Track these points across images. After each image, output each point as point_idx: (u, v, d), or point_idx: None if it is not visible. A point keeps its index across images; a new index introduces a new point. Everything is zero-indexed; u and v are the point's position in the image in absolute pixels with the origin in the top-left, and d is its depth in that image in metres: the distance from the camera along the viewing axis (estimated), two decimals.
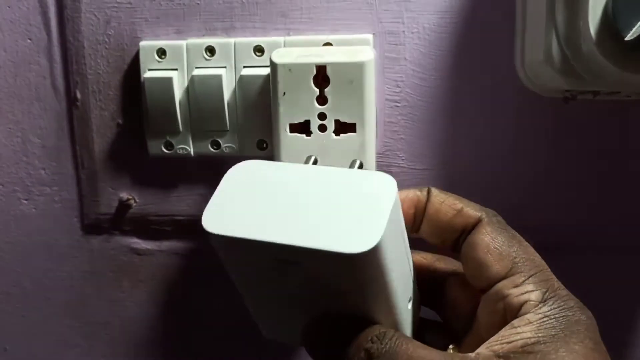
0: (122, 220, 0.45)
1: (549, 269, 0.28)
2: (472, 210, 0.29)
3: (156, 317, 0.46)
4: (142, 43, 0.41)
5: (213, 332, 0.46)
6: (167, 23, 0.41)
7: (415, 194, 0.31)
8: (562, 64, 0.33)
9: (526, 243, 0.29)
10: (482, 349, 0.26)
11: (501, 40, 0.38)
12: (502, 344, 0.26)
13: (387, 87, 0.40)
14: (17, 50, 0.43)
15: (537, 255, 0.29)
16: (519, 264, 0.28)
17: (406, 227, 0.29)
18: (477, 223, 0.29)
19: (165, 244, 0.45)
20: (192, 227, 0.44)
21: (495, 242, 0.28)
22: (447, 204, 0.30)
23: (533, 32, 0.35)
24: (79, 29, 0.42)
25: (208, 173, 0.43)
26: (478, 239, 0.29)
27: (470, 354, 0.26)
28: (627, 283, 0.41)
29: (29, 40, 0.43)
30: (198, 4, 0.40)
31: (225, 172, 0.42)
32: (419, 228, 0.31)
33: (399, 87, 0.40)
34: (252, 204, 0.28)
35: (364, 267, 0.25)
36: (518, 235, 0.29)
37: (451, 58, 0.39)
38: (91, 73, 0.42)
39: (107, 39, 0.42)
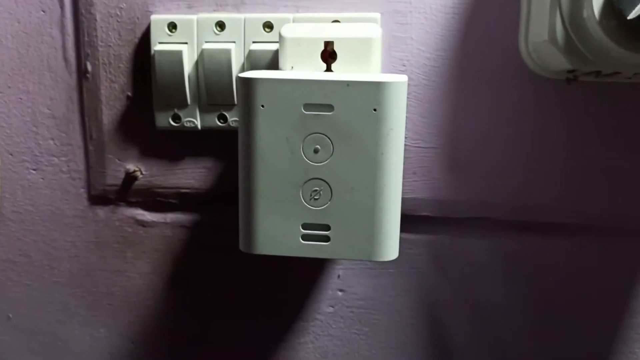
0: (128, 192, 0.45)
1: None
2: None
3: (159, 289, 0.47)
4: (154, 17, 0.41)
5: (215, 305, 0.47)
6: None
7: None
8: (566, 44, 0.34)
9: None
10: None
11: (506, 22, 0.39)
12: None
13: (393, 66, 0.40)
14: (30, 22, 0.44)
15: None
16: None
17: None
18: None
19: (170, 216, 0.45)
20: (197, 199, 0.45)
21: None
22: None
23: (538, 13, 0.36)
24: (92, 2, 0.42)
25: (214, 146, 0.43)
26: None
27: None
28: (618, 265, 0.42)
29: (42, 12, 0.44)
30: None
31: (231, 146, 0.43)
32: None
33: (404, 65, 0.40)
34: (284, 72, 0.34)
35: (392, 104, 0.31)
36: None
37: (456, 38, 0.40)
38: (102, 45, 0.43)
39: (119, 12, 0.42)
